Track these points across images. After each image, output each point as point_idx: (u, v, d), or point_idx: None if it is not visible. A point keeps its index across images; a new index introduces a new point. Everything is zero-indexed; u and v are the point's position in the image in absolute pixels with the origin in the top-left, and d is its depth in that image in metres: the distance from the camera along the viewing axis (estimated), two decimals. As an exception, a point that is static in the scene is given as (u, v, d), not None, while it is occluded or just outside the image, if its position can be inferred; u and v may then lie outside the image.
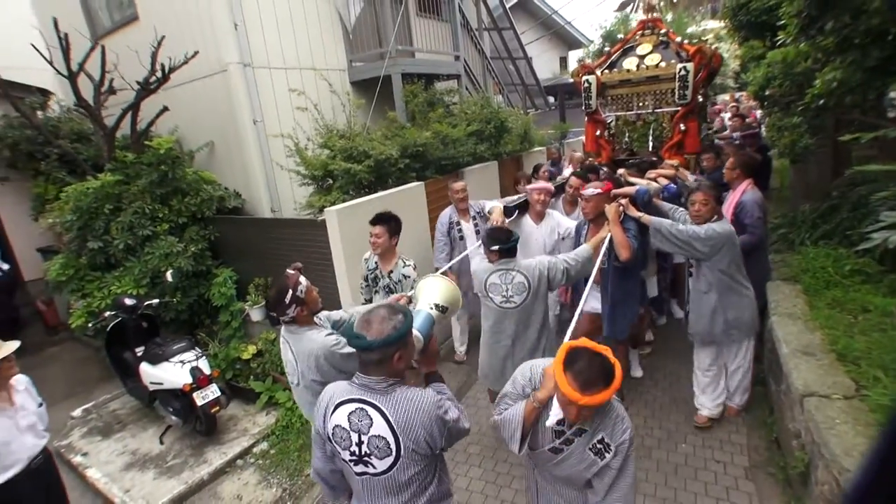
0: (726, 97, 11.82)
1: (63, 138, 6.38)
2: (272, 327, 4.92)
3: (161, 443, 4.24)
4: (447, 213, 4.61)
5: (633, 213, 3.38)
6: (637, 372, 4.28)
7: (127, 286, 4.82)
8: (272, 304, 2.43)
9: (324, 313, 2.62)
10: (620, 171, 4.36)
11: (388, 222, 3.57)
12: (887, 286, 3.15)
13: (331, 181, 4.83)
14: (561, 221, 4.07)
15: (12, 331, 6.76)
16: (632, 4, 5.64)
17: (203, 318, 5.40)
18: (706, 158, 5.04)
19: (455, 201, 4.59)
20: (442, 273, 3.11)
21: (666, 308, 5.08)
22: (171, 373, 4.08)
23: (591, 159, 5.80)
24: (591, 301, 3.66)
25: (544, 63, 12.28)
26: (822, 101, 3.12)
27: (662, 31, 5.44)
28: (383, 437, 1.70)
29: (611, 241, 3.26)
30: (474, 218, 4.59)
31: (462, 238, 4.56)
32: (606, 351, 1.70)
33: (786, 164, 6.20)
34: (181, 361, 4.13)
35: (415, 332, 1.97)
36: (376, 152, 4.52)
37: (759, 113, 7.55)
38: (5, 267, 6.84)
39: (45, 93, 7.16)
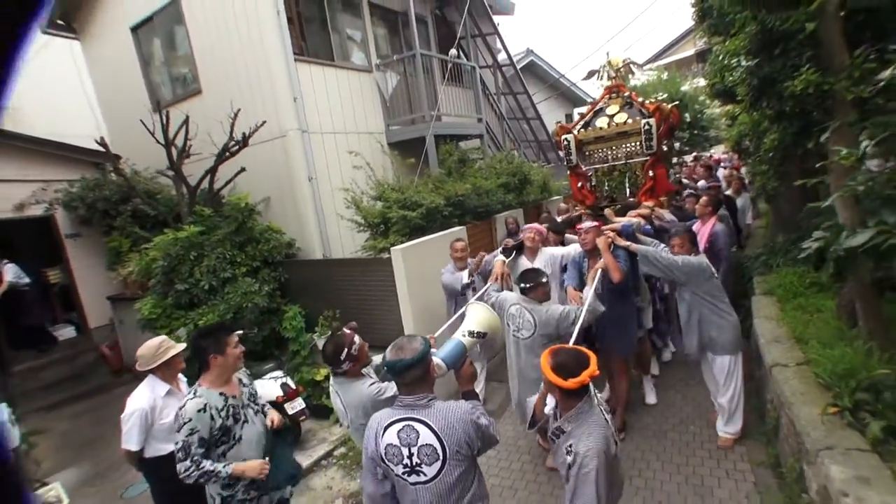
0: (722, 147, 13.56)
1: (136, 197, 7.74)
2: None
3: (253, 449, 5.29)
4: (450, 273, 5.12)
5: (621, 242, 4.12)
6: (651, 398, 4.98)
7: (212, 321, 5.98)
8: (329, 358, 2.81)
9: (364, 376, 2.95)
10: (607, 210, 5.25)
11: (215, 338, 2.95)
12: (834, 293, 4.40)
13: (384, 227, 6.17)
14: (555, 252, 4.78)
15: (39, 338, 8.22)
16: (597, 73, 6.59)
17: (272, 350, 6.55)
18: (689, 203, 6.04)
19: (455, 260, 5.13)
20: (476, 299, 3.86)
21: (670, 340, 5.76)
22: (264, 388, 5.04)
23: (577, 209, 6.68)
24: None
25: (552, 120, 13.96)
26: (770, 154, 4.51)
27: (626, 93, 6.34)
28: (431, 445, 2.11)
29: (604, 269, 3.95)
30: (471, 274, 5.00)
31: (464, 294, 4.97)
32: (583, 350, 2.35)
33: (767, 206, 7.60)
34: (273, 378, 5.22)
35: (437, 360, 2.49)
36: (427, 202, 5.88)
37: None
38: (27, 280, 7.91)
39: (117, 157, 8.55)
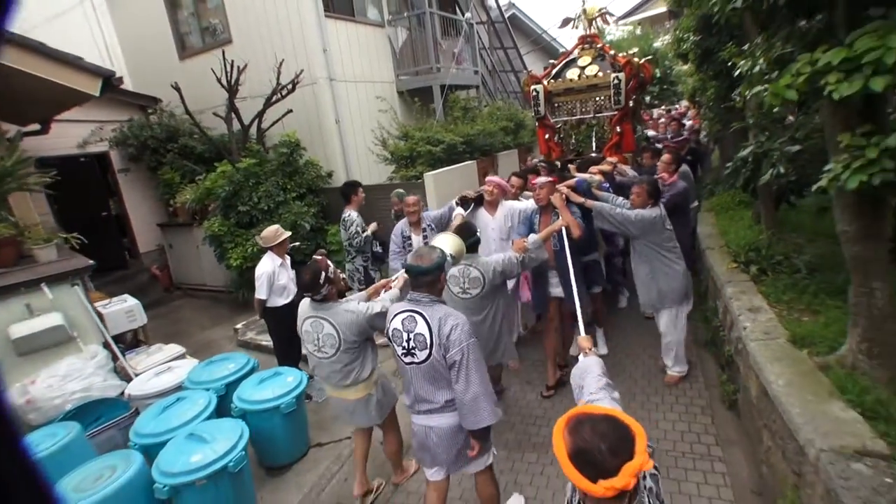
0: (685, 102, 15.20)
1: (185, 136, 9.00)
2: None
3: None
4: (400, 227, 5.16)
5: (576, 199, 4.16)
6: (603, 349, 5.04)
7: (271, 236, 7.48)
8: (308, 285, 3.01)
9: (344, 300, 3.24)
10: (571, 166, 5.28)
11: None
12: (753, 207, 6.19)
13: (410, 160, 7.69)
14: (514, 206, 4.69)
15: (120, 260, 9.62)
16: (573, 21, 6.98)
17: (316, 261, 8.12)
18: (645, 157, 6.01)
19: (408, 214, 5.09)
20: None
21: (625, 289, 6.04)
22: None
23: (534, 160, 6.82)
24: (551, 288, 4.40)
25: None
26: (711, 104, 6.22)
27: (599, 45, 6.59)
28: (422, 335, 2.52)
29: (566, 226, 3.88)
30: (424, 230, 5.07)
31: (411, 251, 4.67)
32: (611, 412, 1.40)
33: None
34: (330, 275, 6.84)
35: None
36: (448, 139, 7.43)
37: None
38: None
39: (156, 100, 9.70)
